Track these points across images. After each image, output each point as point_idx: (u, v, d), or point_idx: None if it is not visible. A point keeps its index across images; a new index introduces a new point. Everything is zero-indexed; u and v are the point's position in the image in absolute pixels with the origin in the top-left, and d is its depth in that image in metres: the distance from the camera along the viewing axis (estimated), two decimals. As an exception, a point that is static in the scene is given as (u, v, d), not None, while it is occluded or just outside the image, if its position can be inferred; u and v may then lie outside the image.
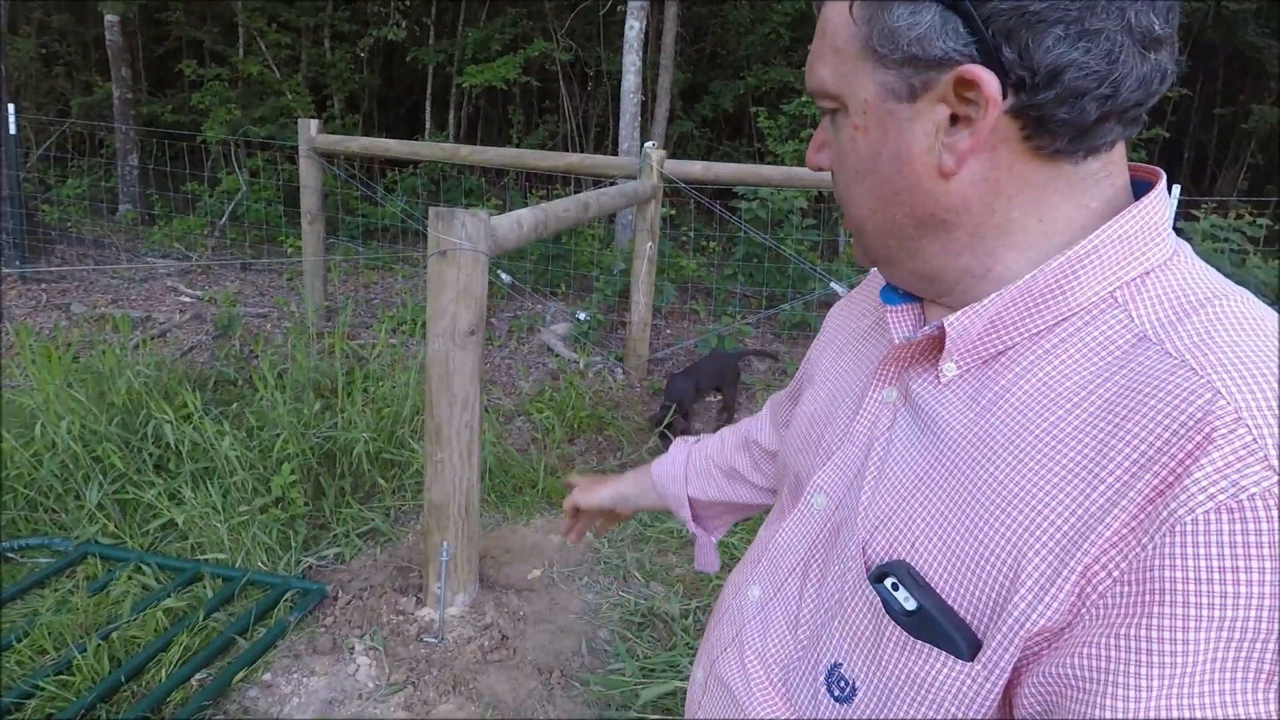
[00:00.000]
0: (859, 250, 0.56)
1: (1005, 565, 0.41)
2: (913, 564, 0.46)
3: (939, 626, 0.43)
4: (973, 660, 0.42)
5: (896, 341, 0.53)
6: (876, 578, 0.47)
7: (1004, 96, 0.43)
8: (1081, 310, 0.45)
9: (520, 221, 2.27)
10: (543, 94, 9.32)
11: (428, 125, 8.89)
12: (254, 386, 2.89)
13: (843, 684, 0.50)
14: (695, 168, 3.90)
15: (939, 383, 0.50)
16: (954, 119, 0.45)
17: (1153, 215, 0.46)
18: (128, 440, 2.52)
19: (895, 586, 0.46)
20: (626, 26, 5.33)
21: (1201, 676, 0.35)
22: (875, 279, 0.68)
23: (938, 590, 0.45)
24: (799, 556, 0.58)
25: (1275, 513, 0.34)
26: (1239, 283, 0.51)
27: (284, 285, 5.46)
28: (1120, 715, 0.36)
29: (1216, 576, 0.34)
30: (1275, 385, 0.37)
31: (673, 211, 5.92)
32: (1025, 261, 0.47)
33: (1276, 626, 0.34)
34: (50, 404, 2.44)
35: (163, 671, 1.77)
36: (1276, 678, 0.34)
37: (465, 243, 1.95)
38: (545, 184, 7.06)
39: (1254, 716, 0.34)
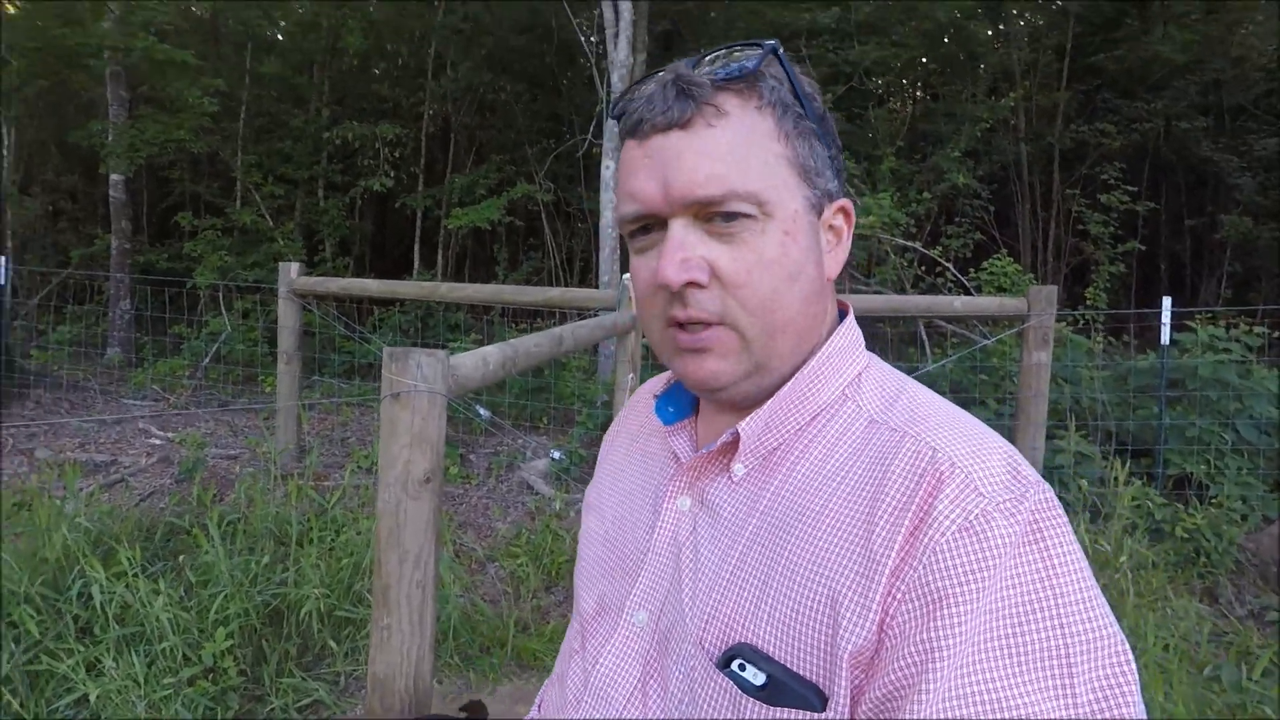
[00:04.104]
0: (738, 362, 0.55)
1: (824, 613, 0.48)
2: (751, 641, 0.51)
3: (791, 689, 0.48)
4: (825, 709, 0.47)
5: (684, 460, 0.60)
6: (723, 663, 0.51)
7: None
8: (826, 408, 0.57)
9: (486, 359, 2.19)
10: (527, 232, 9.67)
11: (416, 265, 9.13)
12: (196, 540, 2.69)
13: None
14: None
15: (732, 483, 0.57)
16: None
17: (853, 330, 0.61)
18: (53, 601, 2.30)
19: (742, 667, 0.50)
20: (603, 167, 5.57)
21: (974, 657, 0.43)
22: (638, 404, 0.74)
23: (779, 658, 0.49)
24: (634, 678, 0.57)
25: (990, 525, 0.45)
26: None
27: (260, 425, 5.34)
28: (929, 711, 0.42)
29: (970, 577, 0.44)
30: (963, 439, 0.50)
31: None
32: (805, 353, 0.58)
33: (1015, 599, 0.43)
34: (-31, 565, 2.25)
35: None
36: (1043, 651, 0.42)
37: (421, 384, 1.84)
38: (530, 319, 7.13)
39: (1014, 694, 0.42)
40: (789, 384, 0.56)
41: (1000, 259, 5.43)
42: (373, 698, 1.82)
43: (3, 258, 5.19)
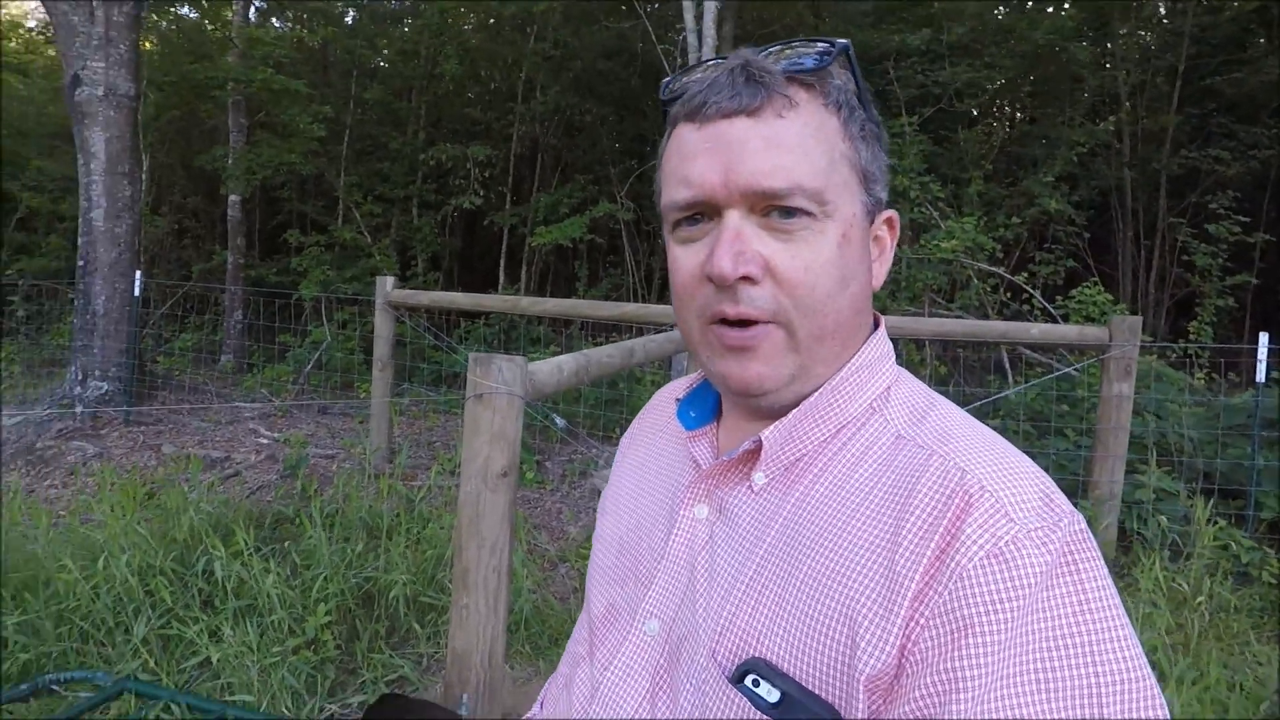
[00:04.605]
0: (784, 365, 0.53)
1: (843, 632, 0.47)
2: (765, 657, 0.49)
3: (805, 707, 0.47)
4: None
5: (705, 466, 0.59)
6: (737, 678, 0.49)
7: None
8: (852, 420, 0.55)
9: (561, 367, 2.37)
10: (608, 249, 9.95)
11: (501, 280, 9.53)
12: (302, 526, 2.98)
13: None
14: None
15: (752, 492, 0.56)
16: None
17: (885, 342, 0.59)
18: (181, 575, 2.60)
19: (756, 683, 0.48)
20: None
21: (1000, 688, 0.41)
22: (656, 407, 0.74)
23: (794, 675, 0.48)
24: (643, 688, 0.56)
25: (1021, 552, 0.43)
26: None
27: (355, 428, 5.73)
28: None
29: (999, 605, 0.42)
30: (994, 462, 0.48)
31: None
32: (845, 360, 0.56)
33: (1045, 633, 0.42)
34: (116, 539, 2.58)
35: (168, 822, 1.72)
36: (1074, 689, 0.41)
37: (501, 386, 2.04)
38: (608, 333, 7.35)
39: (1035, 717, 0.41)
40: (817, 393, 0.54)
41: (1089, 287, 5.26)
42: (451, 671, 2.00)
43: (138, 272, 5.79)
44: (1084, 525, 0.46)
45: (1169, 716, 0.42)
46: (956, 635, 0.42)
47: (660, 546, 0.59)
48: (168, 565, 2.58)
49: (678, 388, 0.70)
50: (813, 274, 0.51)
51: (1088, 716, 0.40)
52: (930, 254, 5.79)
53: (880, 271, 0.58)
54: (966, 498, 0.45)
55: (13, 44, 13.94)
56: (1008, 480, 0.46)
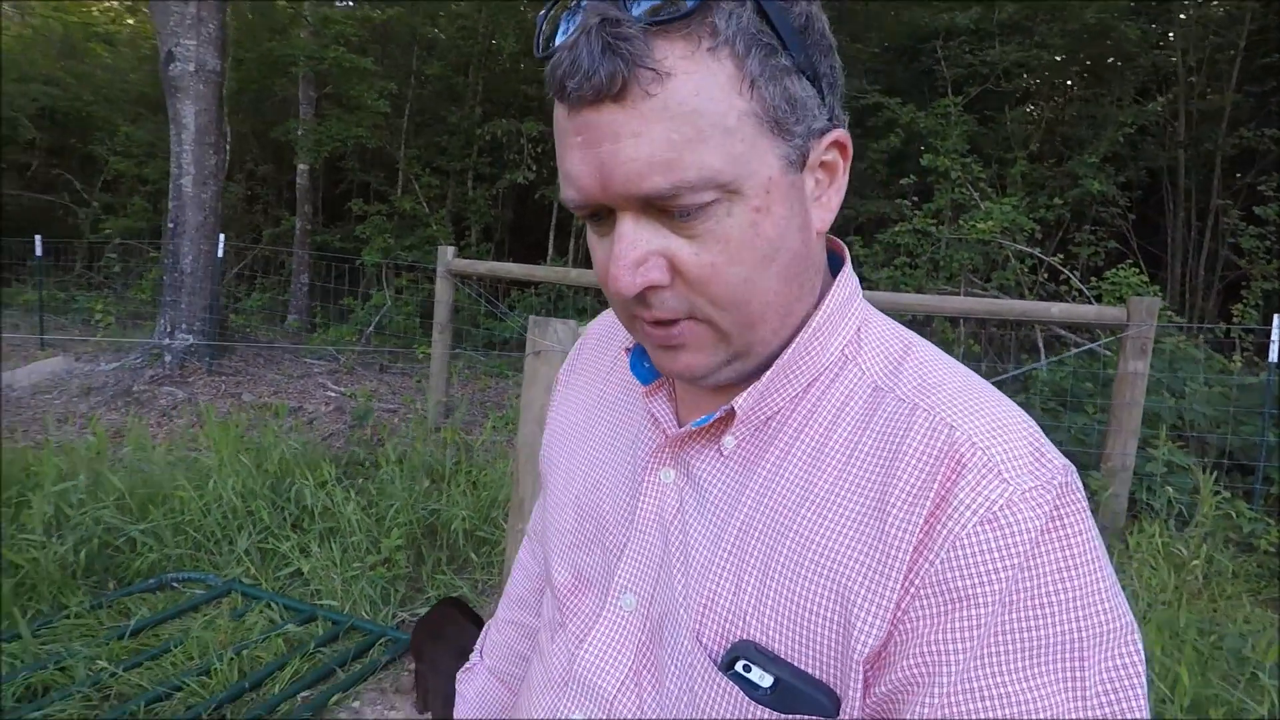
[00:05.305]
0: (715, 354, 0.49)
1: (835, 609, 0.44)
2: (755, 639, 0.46)
3: (801, 692, 0.44)
4: (839, 714, 0.44)
5: (665, 423, 0.54)
6: (727, 665, 0.47)
7: None
8: (825, 371, 0.50)
9: (604, 330, 2.68)
10: (655, 226, 10.15)
11: (550, 252, 9.88)
12: (378, 465, 3.37)
13: None
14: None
15: (721, 455, 0.52)
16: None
17: (851, 278, 0.54)
18: (274, 500, 3.02)
19: (747, 668, 0.46)
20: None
21: (985, 651, 0.41)
22: (595, 346, 0.68)
23: (786, 657, 0.45)
24: (626, 667, 0.53)
25: (1014, 514, 0.41)
26: None
27: (413, 387, 6.17)
28: (937, 709, 0.41)
29: (992, 575, 0.41)
30: (982, 413, 0.45)
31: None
32: (795, 324, 0.50)
33: (1031, 594, 0.41)
34: (223, 466, 3.00)
35: (276, 686, 2.12)
36: (1055, 645, 0.40)
37: (556, 345, 2.36)
38: (650, 305, 7.63)
39: (1024, 689, 0.40)
40: (789, 351, 0.49)
41: (1124, 269, 5.32)
42: (504, 585, 2.36)
43: (221, 235, 6.28)
44: (1074, 475, 0.44)
45: (1143, 658, 0.42)
46: (950, 608, 0.41)
47: (626, 512, 0.56)
48: (264, 491, 3.00)
49: (616, 331, 0.66)
50: (722, 267, 0.44)
51: (1069, 669, 0.40)
52: (967, 234, 5.90)
53: (828, 207, 0.49)
54: (957, 457, 0.43)
55: (96, 13, 14.72)
56: (997, 434, 0.44)
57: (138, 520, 2.81)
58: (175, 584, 2.67)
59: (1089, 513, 0.44)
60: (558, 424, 0.68)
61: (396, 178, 9.86)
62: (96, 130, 10.85)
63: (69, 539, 2.55)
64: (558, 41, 0.43)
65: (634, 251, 0.44)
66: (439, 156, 9.73)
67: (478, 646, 0.76)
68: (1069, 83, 9.51)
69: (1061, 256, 6.15)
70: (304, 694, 2.14)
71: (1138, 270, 5.39)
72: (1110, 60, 8.59)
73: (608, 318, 0.69)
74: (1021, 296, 6.05)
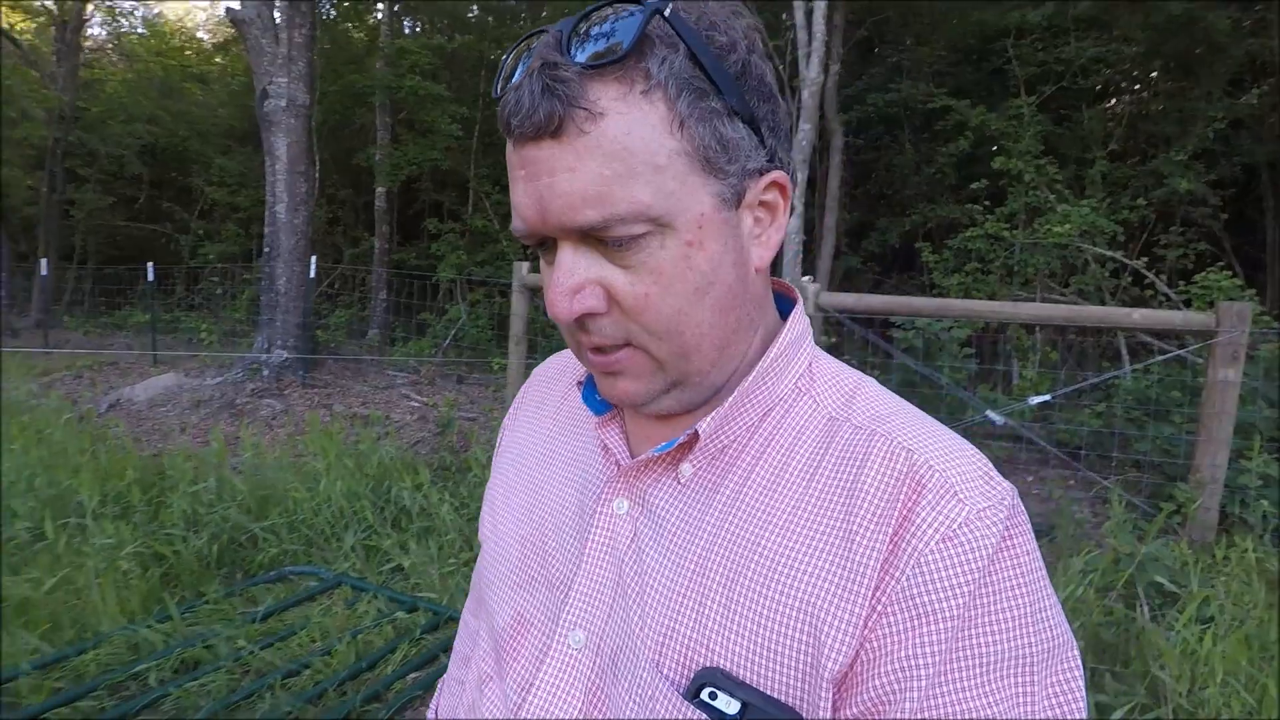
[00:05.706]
0: (653, 381, 0.50)
1: (803, 630, 0.45)
2: (720, 665, 0.46)
3: (770, 717, 0.44)
4: None
5: (619, 453, 0.54)
6: (693, 693, 0.46)
7: None
8: (780, 402, 0.52)
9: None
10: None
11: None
12: (467, 468, 3.57)
13: None
14: (849, 299, 4.28)
15: (679, 484, 0.52)
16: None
17: (803, 318, 0.56)
18: (376, 501, 3.25)
19: (713, 695, 0.45)
20: (791, 178, 6.00)
21: (946, 667, 0.42)
22: (541, 385, 0.69)
23: (752, 682, 0.45)
24: (575, 709, 0.51)
25: (972, 533, 0.44)
26: None
27: (490, 396, 6.43)
28: None
29: (954, 591, 0.43)
30: (935, 439, 0.48)
31: (834, 340, 6.27)
32: (749, 356, 0.53)
33: (987, 611, 0.43)
34: (330, 470, 3.25)
35: (389, 667, 2.30)
36: (1011, 659, 0.43)
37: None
38: (716, 315, 7.73)
39: (984, 705, 0.42)
40: (749, 379, 0.51)
41: (1215, 272, 5.12)
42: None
43: (313, 257, 6.71)
44: (1017, 497, 0.47)
45: (1082, 670, 0.45)
46: (915, 624, 0.43)
47: (575, 546, 0.54)
48: (366, 492, 3.23)
49: (569, 367, 0.67)
50: (655, 298, 0.46)
51: (1020, 683, 0.42)
52: (1043, 239, 5.78)
53: (768, 245, 0.51)
54: (916, 478, 0.45)
55: (190, 54, 15.84)
56: (951, 458, 0.46)
57: (258, 519, 3.07)
58: (293, 576, 2.91)
59: (1030, 529, 0.46)
60: (502, 466, 0.67)
61: (467, 197, 10.27)
62: (193, 163, 11.68)
63: (204, 535, 2.82)
64: (508, 80, 0.47)
65: (571, 279, 0.46)
66: (507, 175, 10.08)
67: (432, 706, 0.73)
68: (1153, 75, 9.18)
69: (1146, 260, 5.95)
70: (413, 675, 2.31)
71: (1231, 273, 5.17)
72: (1198, 51, 8.25)
73: (557, 359, 0.70)
74: (1103, 302, 5.88)
